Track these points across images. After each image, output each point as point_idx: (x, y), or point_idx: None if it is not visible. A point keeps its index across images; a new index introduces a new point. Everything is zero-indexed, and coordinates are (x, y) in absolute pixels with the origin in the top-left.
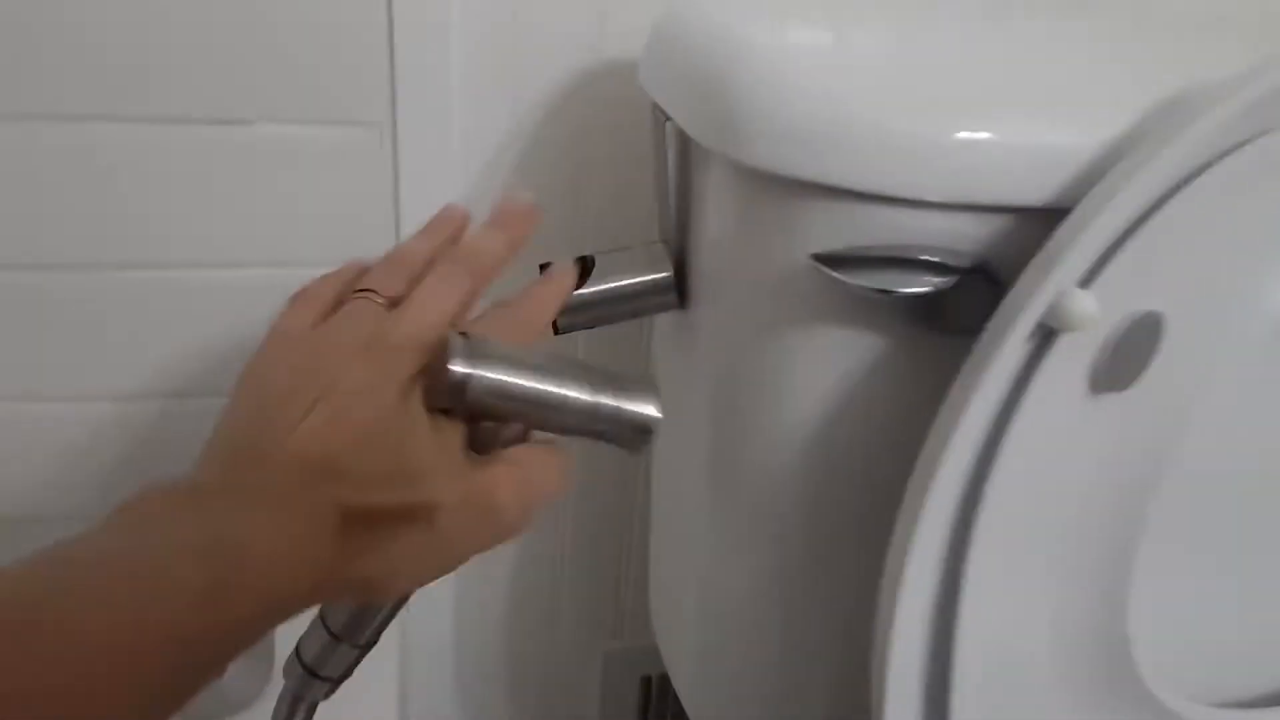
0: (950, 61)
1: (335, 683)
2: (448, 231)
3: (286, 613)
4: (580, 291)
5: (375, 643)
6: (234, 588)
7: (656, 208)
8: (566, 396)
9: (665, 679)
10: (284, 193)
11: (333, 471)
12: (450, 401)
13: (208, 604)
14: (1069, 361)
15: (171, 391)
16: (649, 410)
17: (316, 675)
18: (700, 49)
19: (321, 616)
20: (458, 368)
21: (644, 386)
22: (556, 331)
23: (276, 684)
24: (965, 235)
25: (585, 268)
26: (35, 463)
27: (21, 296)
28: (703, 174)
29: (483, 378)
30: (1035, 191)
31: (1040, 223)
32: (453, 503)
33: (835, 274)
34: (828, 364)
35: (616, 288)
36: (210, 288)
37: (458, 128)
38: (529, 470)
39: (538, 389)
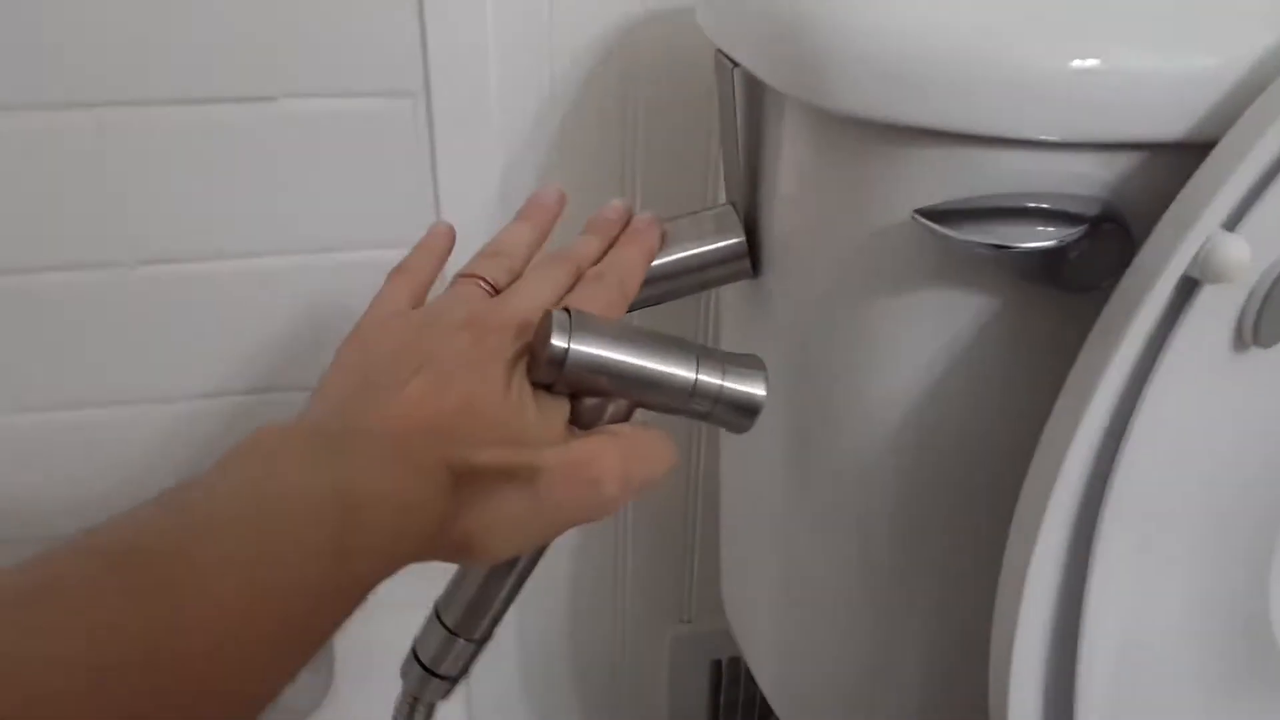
0: None
1: (453, 681)
2: (546, 217)
3: (396, 567)
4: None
5: (490, 637)
6: (357, 543)
7: (721, 167)
8: (668, 374)
9: (736, 662)
10: (318, 172)
11: (438, 431)
12: (550, 375)
13: (335, 561)
14: (1213, 316)
15: (215, 390)
16: (755, 390)
17: (435, 674)
18: None
19: (437, 613)
20: (558, 342)
21: (750, 364)
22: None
23: (334, 694)
24: (1089, 179)
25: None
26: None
27: (47, 298)
28: (777, 125)
29: (581, 352)
30: (1168, 125)
31: (1176, 161)
32: (553, 467)
33: (944, 230)
34: (929, 332)
35: (686, 258)
36: (242, 278)
37: (495, 92)
38: (631, 445)
39: (638, 365)
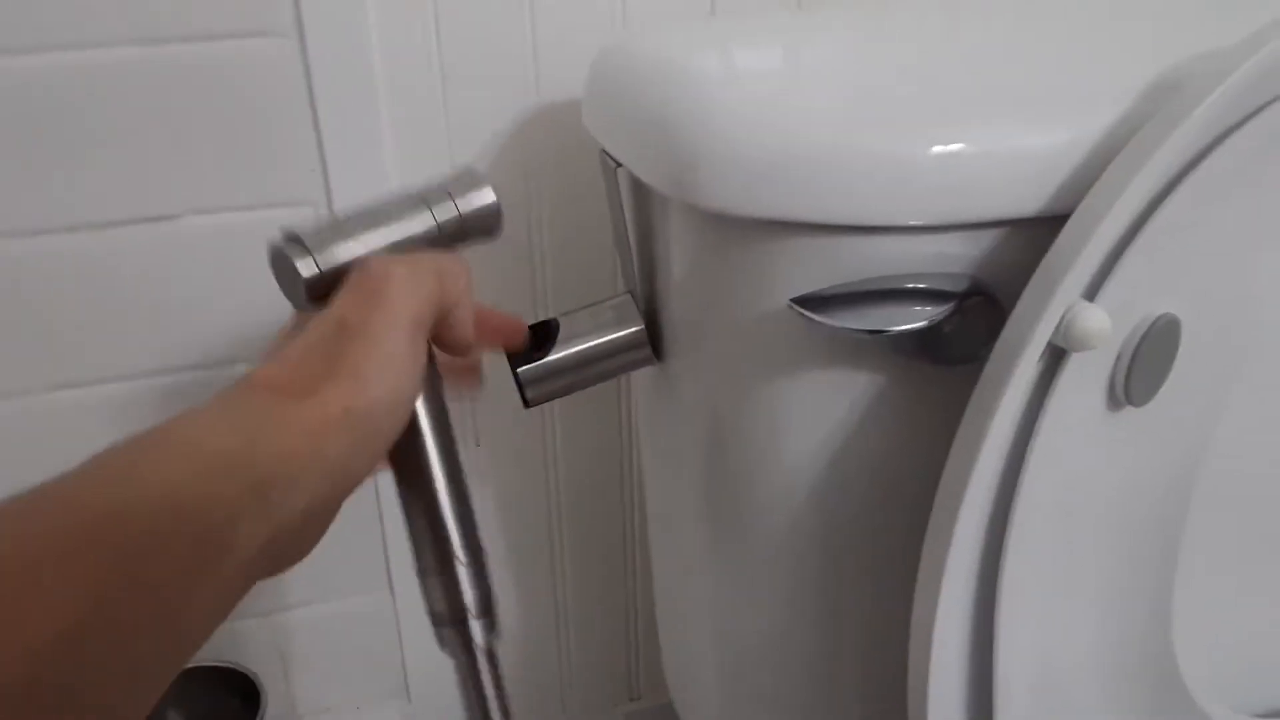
0: (912, 74)
1: (487, 613)
2: None
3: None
4: (547, 359)
5: (480, 550)
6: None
7: (618, 257)
8: (414, 235)
9: None
10: None
11: None
12: (316, 294)
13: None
14: (1085, 379)
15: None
16: (486, 198)
17: (463, 620)
18: (642, 87)
19: (420, 573)
20: (306, 271)
21: (469, 182)
22: (527, 404)
23: None
24: (956, 257)
25: (548, 332)
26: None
27: None
28: (663, 220)
29: (332, 265)
30: (1026, 201)
31: (1036, 234)
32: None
33: (819, 318)
34: (821, 409)
35: (586, 349)
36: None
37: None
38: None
39: (387, 245)
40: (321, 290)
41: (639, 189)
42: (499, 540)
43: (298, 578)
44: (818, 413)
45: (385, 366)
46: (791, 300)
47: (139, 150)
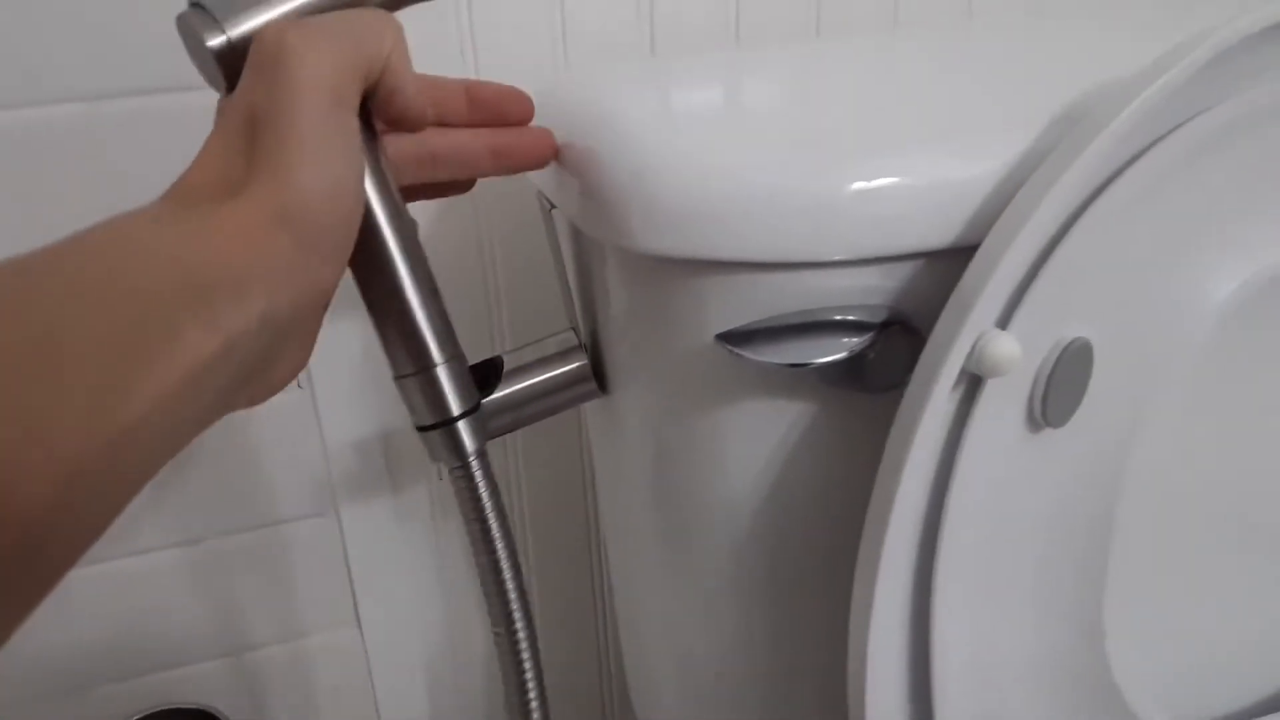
0: (829, 112)
1: (477, 411)
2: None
3: None
4: (494, 396)
5: (455, 346)
6: None
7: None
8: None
9: None
10: None
11: None
12: (221, 75)
13: None
14: (1002, 404)
15: None
16: None
17: (451, 420)
18: (571, 129)
19: (398, 377)
20: (214, 42)
21: None
22: None
23: None
24: (876, 289)
25: (493, 370)
26: None
27: None
28: (598, 259)
29: (241, 32)
30: (941, 233)
31: (953, 264)
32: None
33: (743, 353)
34: (757, 439)
35: (531, 385)
36: None
37: None
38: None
39: (298, 6)
40: (239, 66)
41: (574, 229)
42: (462, 565)
43: (264, 615)
44: (754, 442)
45: (306, 153)
46: (717, 336)
47: None
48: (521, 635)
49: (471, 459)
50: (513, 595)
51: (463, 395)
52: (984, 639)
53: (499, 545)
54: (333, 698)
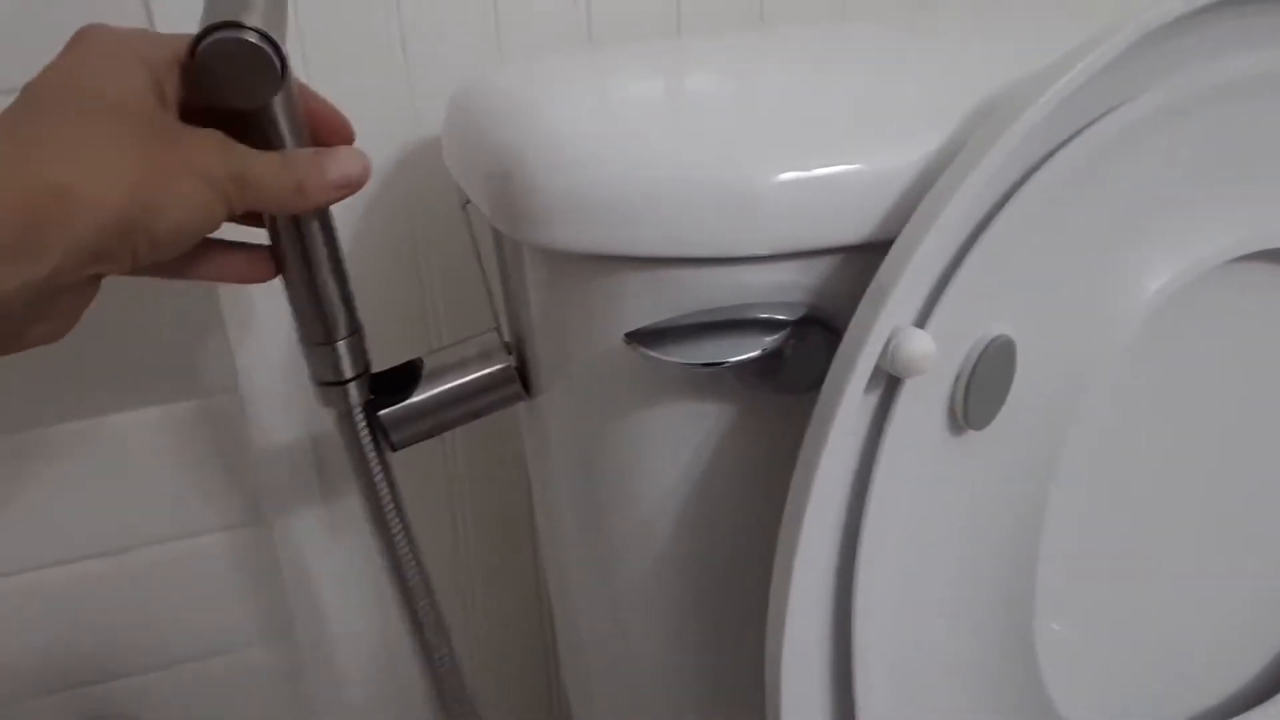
0: (749, 105)
1: (361, 378)
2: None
3: None
4: (413, 400)
5: (357, 325)
6: None
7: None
8: None
9: None
10: None
11: None
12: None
13: None
14: (921, 404)
15: None
16: None
17: (342, 383)
18: (481, 123)
19: (306, 344)
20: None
21: None
22: (394, 447)
23: None
24: (794, 286)
25: (412, 372)
26: None
27: None
28: (515, 256)
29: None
30: (859, 227)
31: (871, 260)
32: None
33: (652, 353)
34: (676, 442)
35: (452, 388)
36: None
37: None
38: None
39: None
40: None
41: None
42: None
43: (197, 627)
44: (674, 446)
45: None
46: (626, 335)
47: None
48: (425, 621)
49: (357, 413)
50: (400, 544)
51: (358, 364)
52: (908, 644)
53: (382, 493)
54: (268, 710)
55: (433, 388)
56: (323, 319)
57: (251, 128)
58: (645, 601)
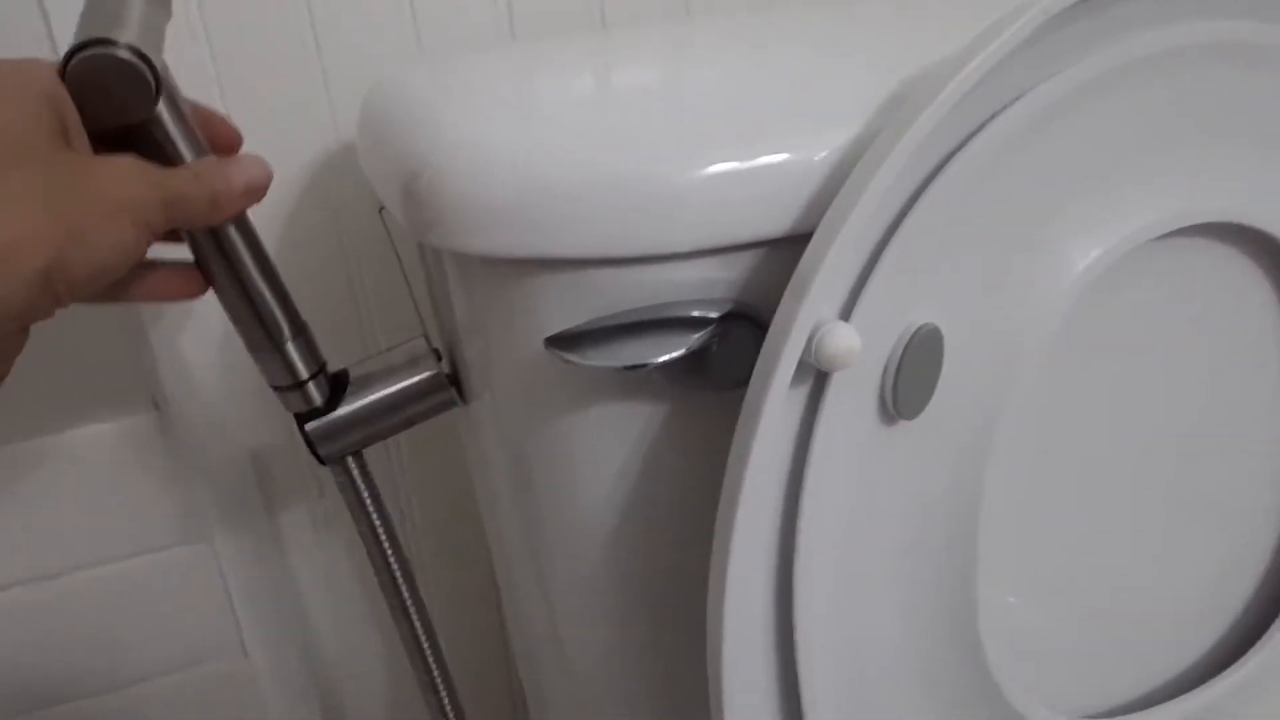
0: (664, 99)
1: (318, 376)
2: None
3: None
4: (339, 412)
5: (301, 323)
6: None
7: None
8: None
9: None
10: None
11: None
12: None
13: None
14: (851, 397)
15: None
16: None
17: (300, 384)
18: (392, 125)
19: (252, 351)
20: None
21: None
22: (322, 462)
23: None
24: (716, 281)
25: (339, 383)
26: None
27: None
28: (435, 261)
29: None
30: (779, 220)
31: (794, 253)
32: None
33: (573, 357)
34: (607, 446)
35: (380, 398)
36: None
37: None
38: None
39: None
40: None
41: None
42: (355, 586)
43: (147, 647)
44: (605, 449)
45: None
46: (546, 341)
47: None
48: (412, 611)
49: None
50: (386, 547)
51: (310, 362)
52: (852, 636)
53: (363, 494)
54: None
55: (360, 399)
56: (263, 324)
57: (146, 143)
58: (587, 603)
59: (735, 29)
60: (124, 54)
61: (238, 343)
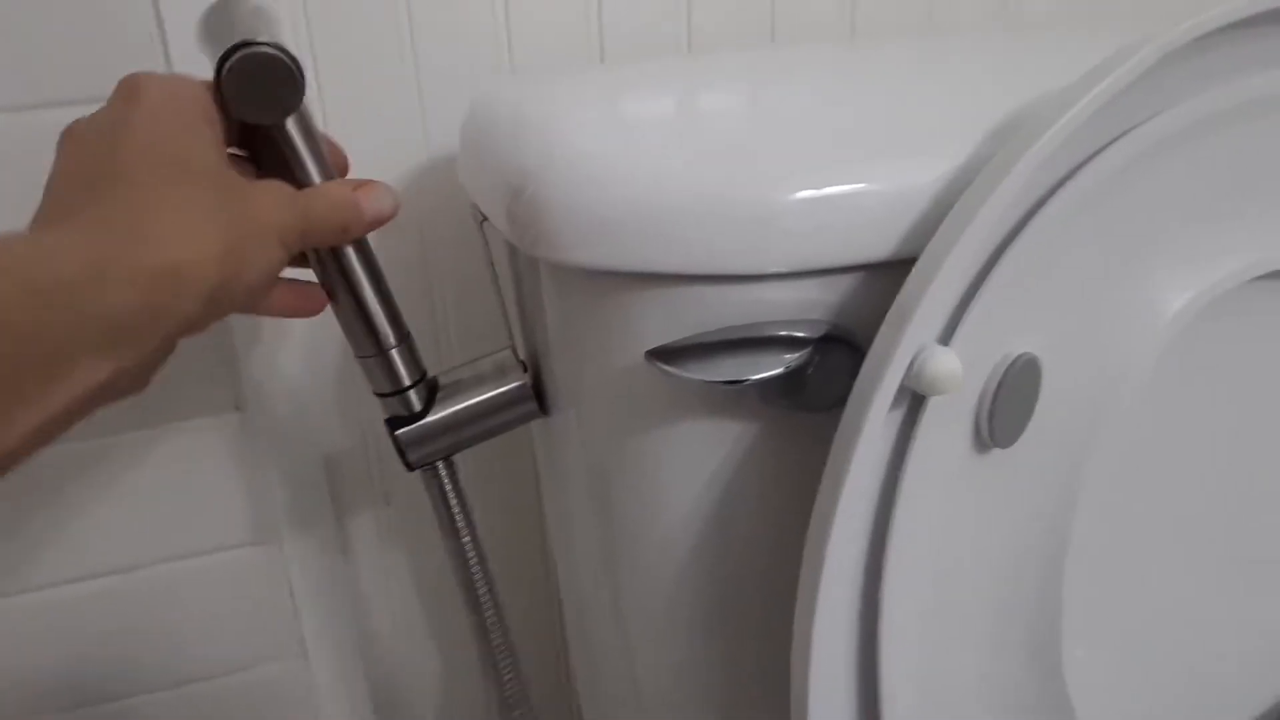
0: (769, 122)
1: (422, 381)
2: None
3: None
4: (429, 419)
5: (406, 333)
6: None
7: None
8: None
9: None
10: None
11: None
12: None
13: None
14: (946, 423)
15: None
16: None
17: (402, 391)
18: (500, 139)
19: (360, 357)
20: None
21: None
22: (410, 468)
23: None
24: (816, 303)
25: (428, 391)
26: None
27: None
28: (531, 273)
29: None
30: (882, 244)
31: (895, 277)
32: None
33: (674, 370)
34: (695, 462)
35: (468, 407)
36: None
37: None
38: None
39: None
40: None
41: (509, 241)
42: (415, 597)
43: (210, 646)
44: (693, 465)
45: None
46: (648, 353)
47: None
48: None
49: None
50: (470, 553)
51: (414, 371)
52: (935, 667)
53: (453, 502)
54: None
55: (449, 406)
56: (372, 333)
57: (276, 158)
58: (661, 620)
59: (826, 56)
60: (273, 51)
61: (319, 350)
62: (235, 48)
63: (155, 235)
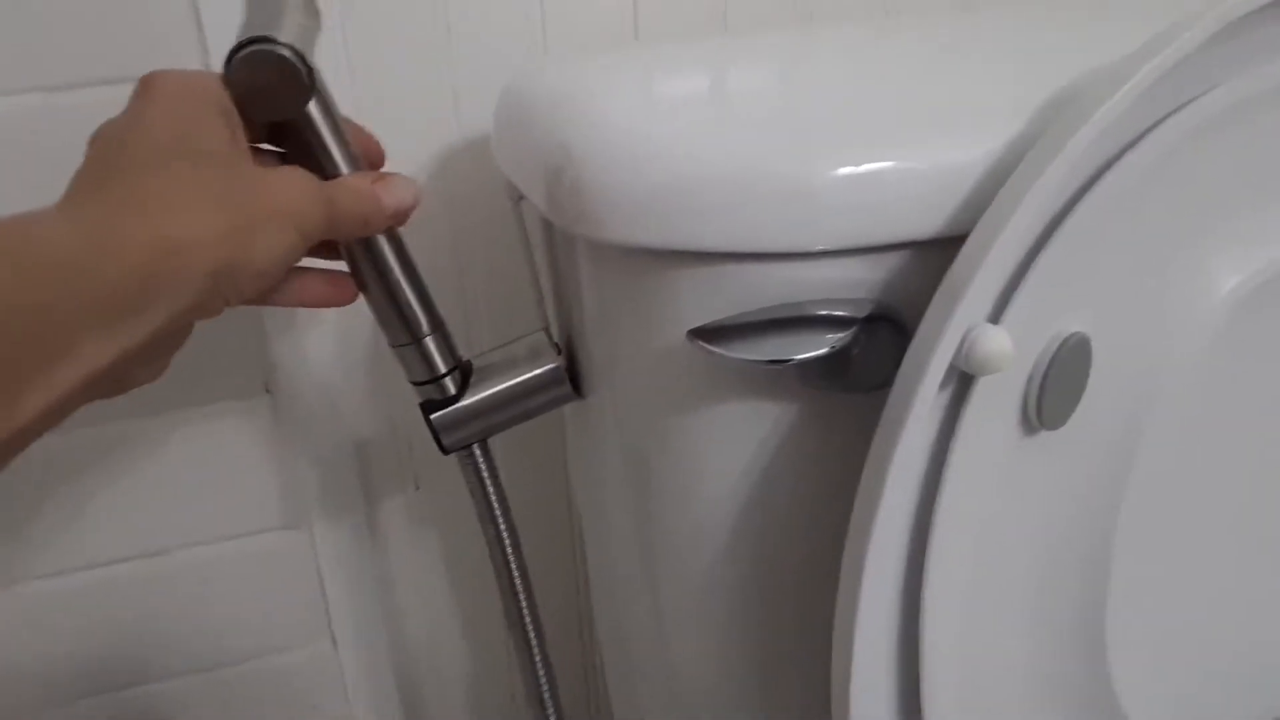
0: (811, 98)
1: (457, 369)
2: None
3: None
4: (463, 403)
5: (439, 321)
6: None
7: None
8: None
9: None
10: None
11: None
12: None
13: None
14: (996, 402)
15: None
16: None
17: (438, 378)
18: (537, 117)
19: (392, 345)
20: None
21: None
22: (445, 451)
23: None
24: (861, 282)
25: (462, 375)
26: None
27: None
28: (568, 252)
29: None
30: (929, 221)
31: (942, 255)
32: None
33: (717, 349)
34: (736, 442)
35: (502, 390)
36: None
37: None
38: None
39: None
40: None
41: (545, 221)
42: (443, 584)
43: (238, 630)
44: (734, 446)
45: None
46: (690, 332)
47: None
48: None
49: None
50: (506, 538)
51: (449, 358)
52: (978, 650)
53: (489, 487)
54: (308, 714)
55: (483, 390)
56: (405, 321)
57: (301, 148)
58: (696, 604)
59: (866, 32)
60: (283, 51)
61: (350, 334)
62: (243, 44)
63: (152, 210)
